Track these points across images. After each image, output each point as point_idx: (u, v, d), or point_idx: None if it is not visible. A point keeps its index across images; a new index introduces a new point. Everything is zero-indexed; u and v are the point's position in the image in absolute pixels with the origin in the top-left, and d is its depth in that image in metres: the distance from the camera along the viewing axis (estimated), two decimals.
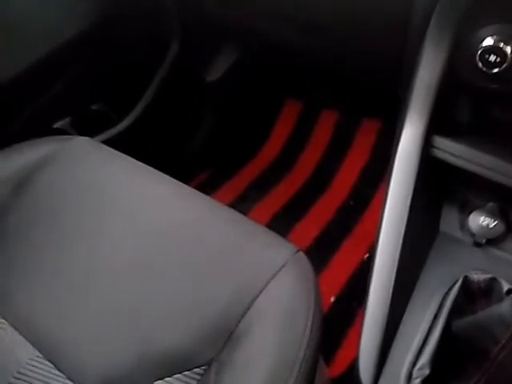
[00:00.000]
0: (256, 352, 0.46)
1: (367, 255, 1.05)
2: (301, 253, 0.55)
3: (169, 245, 0.56)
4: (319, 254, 1.06)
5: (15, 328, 0.52)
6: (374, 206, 1.14)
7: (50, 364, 0.50)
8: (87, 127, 0.96)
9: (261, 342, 0.47)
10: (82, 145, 0.68)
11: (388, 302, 0.56)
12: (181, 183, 0.63)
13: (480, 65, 0.50)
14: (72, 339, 0.51)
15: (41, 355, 0.50)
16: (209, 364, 0.48)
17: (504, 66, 0.49)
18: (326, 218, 1.14)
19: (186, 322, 0.50)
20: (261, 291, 0.50)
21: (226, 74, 1.14)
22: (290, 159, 1.25)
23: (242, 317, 0.49)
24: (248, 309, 0.49)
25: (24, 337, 0.52)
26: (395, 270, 0.57)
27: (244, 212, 1.15)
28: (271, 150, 1.28)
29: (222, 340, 0.48)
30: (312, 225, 1.12)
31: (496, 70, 0.49)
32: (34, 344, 0.51)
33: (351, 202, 1.16)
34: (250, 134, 1.30)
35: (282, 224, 1.13)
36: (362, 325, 0.56)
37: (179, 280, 0.53)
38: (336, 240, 1.09)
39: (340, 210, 1.15)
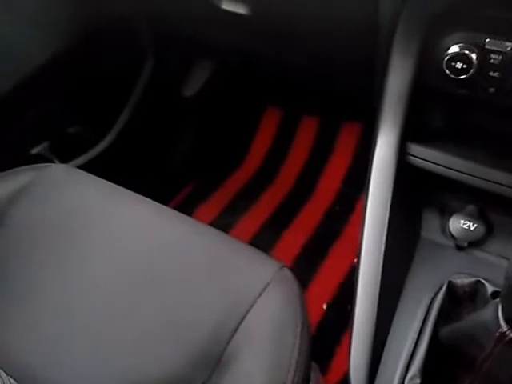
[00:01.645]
0: (245, 377, 0.46)
1: (356, 259, 1.04)
2: (285, 269, 0.55)
3: (153, 270, 0.55)
4: (309, 261, 1.06)
5: None
6: (360, 209, 1.14)
7: None
8: (65, 151, 0.95)
9: (249, 367, 0.46)
10: (58, 173, 0.67)
11: (375, 311, 0.56)
12: (161, 205, 0.62)
13: (447, 72, 0.50)
14: (57, 370, 0.50)
15: None
16: None
17: (470, 72, 0.49)
18: (314, 223, 1.14)
19: (174, 348, 0.49)
20: (247, 312, 0.50)
21: (203, 88, 1.13)
22: (274, 167, 1.25)
23: (230, 340, 0.48)
24: (235, 331, 0.49)
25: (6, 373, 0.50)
26: (379, 279, 0.57)
27: (232, 223, 1.15)
28: (255, 159, 1.27)
29: (211, 364, 0.48)
30: (300, 232, 1.12)
31: (463, 77, 0.50)
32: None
33: (337, 207, 1.16)
34: (232, 145, 1.30)
35: (270, 233, 1.12)
36: (351, 335, 0.56)
37: (165, 306, 0.52)
38: (324, 246, 1.09)
39: (326, 214, 1.15)
